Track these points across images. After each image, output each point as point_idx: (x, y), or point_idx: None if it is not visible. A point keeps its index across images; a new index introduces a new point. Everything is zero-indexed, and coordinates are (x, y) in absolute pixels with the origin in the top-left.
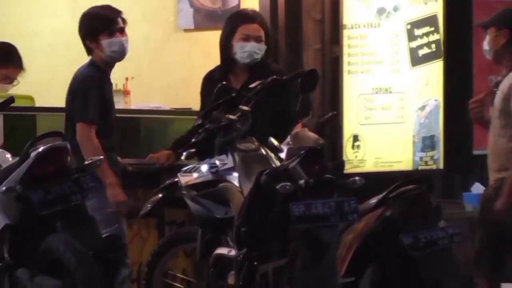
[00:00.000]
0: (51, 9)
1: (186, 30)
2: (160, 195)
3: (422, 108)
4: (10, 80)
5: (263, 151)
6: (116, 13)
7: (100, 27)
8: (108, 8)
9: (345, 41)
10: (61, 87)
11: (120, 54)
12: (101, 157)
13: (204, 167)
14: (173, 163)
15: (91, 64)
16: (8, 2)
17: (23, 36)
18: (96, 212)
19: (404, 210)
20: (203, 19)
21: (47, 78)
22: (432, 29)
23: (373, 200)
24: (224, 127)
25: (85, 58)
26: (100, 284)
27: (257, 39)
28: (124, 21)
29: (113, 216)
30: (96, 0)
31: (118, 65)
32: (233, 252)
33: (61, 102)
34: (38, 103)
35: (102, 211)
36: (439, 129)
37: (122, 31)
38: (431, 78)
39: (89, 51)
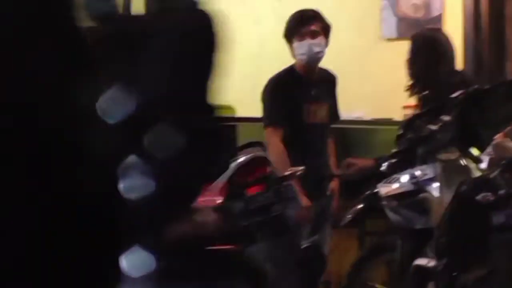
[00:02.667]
0: (254, 18)
1: (389, 39)
2: (361, 205)
3: None
4: None
5: (463, 161)
6: (313, 16)
7: (293, 30)
8: (305, 10)
9: None
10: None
11: (309, 58)
12: (302, 167)
13: (405, 177)
14: (370, 171)
15: (287, 68)
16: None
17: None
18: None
19: None
20: (406, 28)
21: (249, 87)
22: None
23: None
24: (425, 137)
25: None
26: None
27: None
28: (323, 26)
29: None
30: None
31: None
32: (432, 263)
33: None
34: (239, 113)
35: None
36: None
37: (313, 34)
38: None
39: (293, 55)
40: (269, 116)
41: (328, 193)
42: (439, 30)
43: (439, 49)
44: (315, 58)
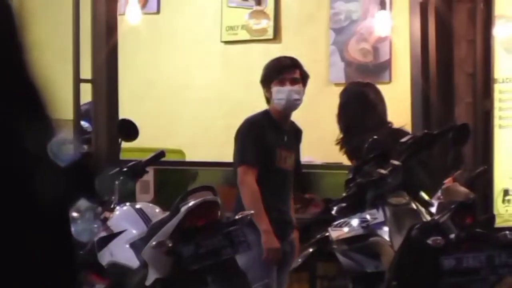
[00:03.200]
0: (203, 64)
1: (337, 84)
2: (311, 249)
3: None
4: None
5: (414, 205)
6: (293, 63)
7: (273, 75)
8: (286, 58)
9: (496, 95)
10: (212, 140)
11: (288, 103)
12: (252, 211)
13: (355, 221)
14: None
15: (262, 112)
16: (160, 56)
17: (175, 90)
18: (252, 262)
19: None
20: (354, 73)
21: (198, 132)
22: None
23: None
24: (375, 181)
25: (237, 112)
26: None
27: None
28: (303, 74)
29: (266, 266)
30: (248, 53)
31: None
32: None
33: (212, 155)
34: (189, 157)
35: (258, 262)
36: None
37: (294, 81)
38: None
39: (267, 100)
40: (244, 155)
41: (290, 239)
42: (368, 84)
43: (366, 102)
44: (293, 104)
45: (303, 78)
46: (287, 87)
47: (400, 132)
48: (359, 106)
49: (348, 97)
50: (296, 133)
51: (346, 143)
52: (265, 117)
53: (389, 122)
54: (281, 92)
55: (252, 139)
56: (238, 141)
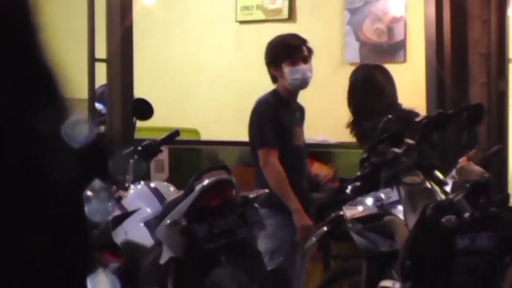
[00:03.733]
0: (217, 44)
1: (352, 64)
2: (325, 228)
3: None
4: None
5: (428, 184)
6: (301, 41)
7: (283, 54)
8: (293, 36)
9: (511, 76)
10: (226, 121)
11: (302, 83)
12: (267, 190)
13: (369, 201)
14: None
15: (272, 92)
16: (175, 37)
17: (190, 71)
18: (267, 240)
19: None
20: (369, 53)
21: (212, 111)
22: None
23: None
24: (390, 161)
25: (251, 92)
26: None
27: None
28: (309, 50)
29: (286, 245)
30: (263, 33)
31: None
32: (398, 285)
33: (226, 136)
34: (203, 137)
35: (273, 240)
36: None
37: (305, 59)
38: None
39: (273, 79)
40: (264, 137)
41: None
42: (376, 66)
43: (374, 85)
44: (307, 83)
45: (310, 54)
46: (301, 66)
47: (412, 114)
48: (367, 88)
49: (356, 80)
50: (301, 108)
51: (356, 126)
52: (276, 97)
53: (400, 104)
54: (295, 72)
55: (268, 120)
56: (254, 124)
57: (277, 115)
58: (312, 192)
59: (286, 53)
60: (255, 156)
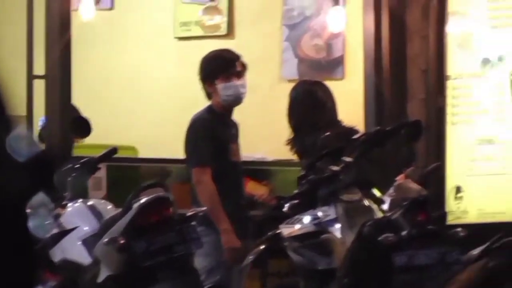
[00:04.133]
0: (156, 60)
1: (290, 80)
2: (263, 246)
3: None
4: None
5: (366, 202)
6: (235, 56)
7: (216, 70)
8: (227, 51)
9: (449, 92)
10: (165, 138)
11: (236, 99)
12: (204, 208)
13: (307, 218)
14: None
15: (207, 108)
16: (113, 53)
17: (129, 87)
18: (204, 259)
19: (507, 261)
20: (307, 69)
21: (151, 128)
22: None
23: (476, 251)
24: (328, 178)
25: (191, 108)
26: None
27: None
28: (244, 65)
29: (223, 263)
30: (201, 49)
31: None
32: None
33: (165, 153)
34: (142, 154)
35: (210, 258)
36: None
37: (239, 75)
38: None
39: (208, 95)
40: (197, 156)
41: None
42: (317, 83)
43: (315, 101)
44: (241, 99)
45: (244, 69)
46: (235, 82)
47: (351, 131)
48: (308, 104)
49: (297, 96)
50: (236, 125)
51: (297, 142)
52: (210, 113)
53: (340, 121)
54: (229, 88)
55: (203, 137)
56: (189, 141)
57: (212, 132)
58: (249, 210)
59: (220, 69)
60: (190, 173)
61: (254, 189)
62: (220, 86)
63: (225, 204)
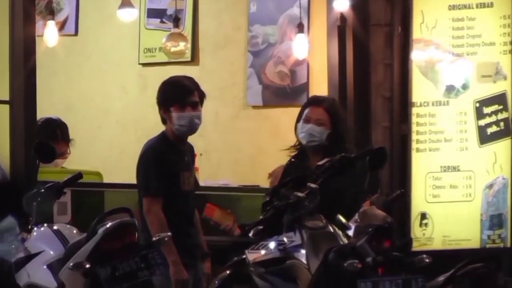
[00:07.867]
0: (120, 86)
1: (254, 107)
2: (228, 272)
3: (490, 186)
4: (62, 155)
5: (331, 228)
6: (194, 85)
7: (172, 98)
8: (186, 79)
9: (414, 119)
10: (129, 164)
11: (189, 129)
12: (169, 233)
13: (272, 244)
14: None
15: (160, 135)
16: (78, 79)
17: (93, 113)
18: (170, 283)
19: None
20: (272, 96)
21: (116, 154)
22: (501, 107)
23: (441, 278)
24: (292, 204)
25: (155, 134)
26: None
27: (317, 122)
28: (202, 95)
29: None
30: (166, 75)
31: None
32: None
33: (129, 179)
34: (106, 179)
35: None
36: (507, 207)
37: (194, 105)
38: (500, 156)
39: (163, 120)
40: (148, 186)
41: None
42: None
43: None
44: (194, 129)
45: (202, 99)
46: (189, 113)
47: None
48: None
49: None
50: (191, 151)
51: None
52: (163, 141)
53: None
54: (182, 119)
55: (154, 167)
56: (141, 170)
57: (163, 161)
58: (203, 236)
59: (175, 97)
60: (141, 202)
61: (221, 218)
62: (174, 114)
63: (175, 234)
